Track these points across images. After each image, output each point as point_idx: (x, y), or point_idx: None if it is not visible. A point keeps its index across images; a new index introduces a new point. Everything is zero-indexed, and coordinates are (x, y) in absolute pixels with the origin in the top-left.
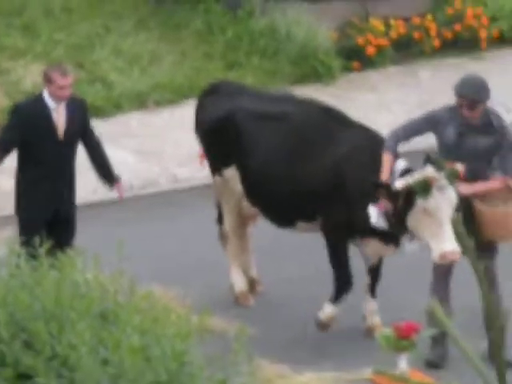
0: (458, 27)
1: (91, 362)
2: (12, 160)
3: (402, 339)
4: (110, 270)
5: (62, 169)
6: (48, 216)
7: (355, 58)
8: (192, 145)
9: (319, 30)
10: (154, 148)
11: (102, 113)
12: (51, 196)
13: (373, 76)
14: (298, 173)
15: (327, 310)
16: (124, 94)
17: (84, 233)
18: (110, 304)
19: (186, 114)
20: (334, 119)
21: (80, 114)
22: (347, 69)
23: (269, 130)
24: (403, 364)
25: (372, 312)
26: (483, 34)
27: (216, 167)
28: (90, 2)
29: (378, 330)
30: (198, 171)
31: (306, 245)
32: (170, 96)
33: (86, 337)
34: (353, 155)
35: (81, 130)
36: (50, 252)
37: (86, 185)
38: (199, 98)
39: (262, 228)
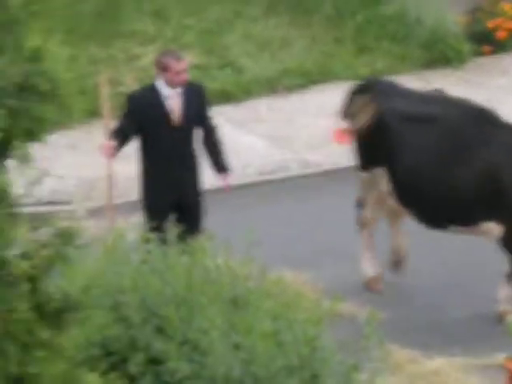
0: None
1: (223, 346)
2: (133, 146)
3: None
4: (240, 255)
5: (180, 154)
6: (171, 201)
7: (485, 42)
8: (321, 129)
9: (449, 15)
10: (283, 133)
11: (231, 98)
12: (172, 181)
13: (504, 60)
14: (450, 176)
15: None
16: (254, 79)
17: (212, 218)
18: (240, 289)
19: (315, 99)
20: (487, 120)
21: (197, 99)
22: (477, 53)
23: (420, 132)
24: None
25: (506, 298)
26: None
27: (364, 164)
28: None
29: (509, 316)
30: (328, 156)
31: (433, 237)
32: (299, 81)
33: (217, 322)
34: (510, 158)
35: (198, 115)
36: (180, 238)
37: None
38: (350, 93)
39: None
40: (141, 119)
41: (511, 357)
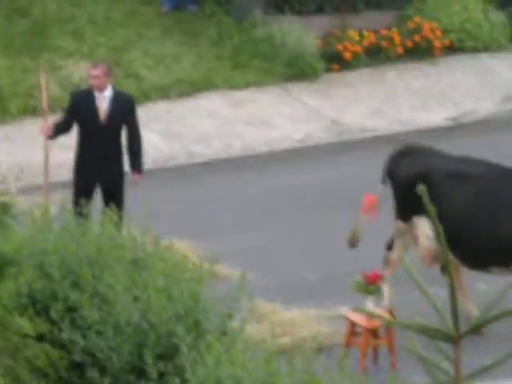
0: (417, 38)
1: (125, 298)
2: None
3: (370, 284)
4: (140, 226)
5: (103, 147)
6: (92, 183)
7: (335, 61)
8: (204, 128)
9: (307, 38)
10: (174, 130)
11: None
12: (94, 168)
13: (349, 76)
14: (491, 226)
15: None
16: (152, 87)
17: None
18: (140, 253)
19: (200, 103)
20: None
21: (123, 105)
22: (329, 70)
23: (463, 187)
24: (370, 305)
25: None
26: (437, 43)
27: (404, 215)
28: (125, 13)
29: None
30: (210, 148)
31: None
32: (188, 89)
33: (121, 279)
34: None
35: (122, 120)
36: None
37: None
38: (394, 155)
39: None
40: (76, 114)
41: (357, 309)
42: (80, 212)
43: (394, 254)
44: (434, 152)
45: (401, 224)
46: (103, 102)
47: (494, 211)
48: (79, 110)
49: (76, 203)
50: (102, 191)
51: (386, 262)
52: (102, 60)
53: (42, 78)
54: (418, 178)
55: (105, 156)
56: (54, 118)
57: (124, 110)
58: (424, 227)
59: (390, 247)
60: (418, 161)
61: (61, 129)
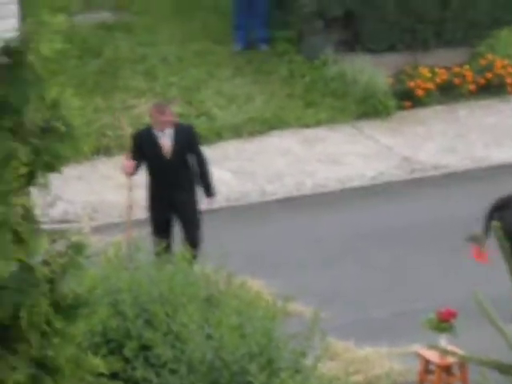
0: (489, 75)
1: (198, 336)
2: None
3: (443, 322)
4: (213, 264)
5: (173, 180)
6: (168, 217)
7: (407, 98)
8: (277, 166)
9: (379, 76)
10: (246, 169)
11: (206, 141)
12: (168, 201)
13: (421, 113)
14: None
15: None
16: (224, 126)
17: None
18: (213, 291)
19: (272, 142)
20: None
21: (186, 136)
22: (401, 107)
23: None
24: (443, 342)
25: None
26: (509, 80)
27: None
28: (197, 53)
29: None
30: (282, 187)
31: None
32: (260, 128)
33: (195, 317)
34: None
35: (186, 150)
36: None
37: None
38: (491, 210)
39: None
40: (141, 153)
41: (431, 346)
42: (160, 250)
43: None
44: None
45: None
46: (166, 139)
47: None
48: (144, 149)
49: (157, 240)
50: (182, 222)
51: None
52: (161, 101)
53: (122, 121)
54: None
55: (177, 187)
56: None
57: (187, 140)
58: None
59: None
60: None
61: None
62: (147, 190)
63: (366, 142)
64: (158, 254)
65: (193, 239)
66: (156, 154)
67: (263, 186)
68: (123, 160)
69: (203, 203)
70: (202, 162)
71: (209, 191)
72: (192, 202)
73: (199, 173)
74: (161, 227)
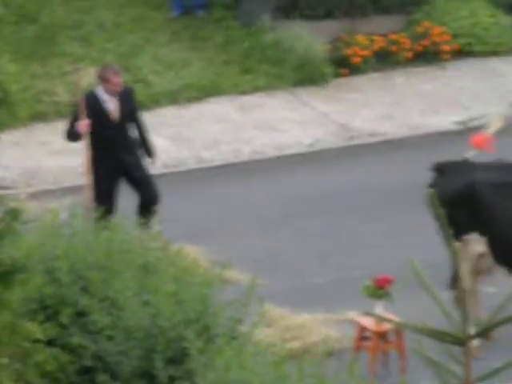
0: (425, 42)
1: (135, 303)
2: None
3: (379, 289)
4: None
5: (120, 143)
6: (117, 180)
7: (344, 65)
8: (213, 133)
9: (316, 43)
10: (184, 135)
11: (143, 107)
12: (116, 164)
13: (358, 80)
14: None
15: None
16: (160, 92)
17: (129, 202)
18: (149, 258)
19: (209, 108)
20: None
21: (129, 99)
22: (338, 75)
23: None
24: (379, 309)
25: None
26: (446, 48)
27: (456, 234)
28: (133, 19)
29: None
30: (219, 154)
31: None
32: (196, 94)
33: (131, 283)
34: None
35: (130, 113)
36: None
37: None
38: (432, 180)
39: None
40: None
41: (366, 312)
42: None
43: (465, 284)
44: (471, 164)
45: (455, 246)
46: (112, 103)
47: None
48: (90, 113)
49: (101, 206)
50: (134, 181)
51: (458, 300)
52: (111, 63)
53: (79, 78)
54: (462, 195)
55: (125, 150)
56: (65, 125)
57: (130, 103)
58: (474, 244)
59: (453, 285)
60: (456, 178)
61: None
62: (92, 156)
63: (302, 109)
64: (98, 220)
65: (152, 196)
66: (103, 118)
67: (200, 153)
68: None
69: (149, 162)
70: (141, 123)
71: (151, 151)
72: (141, 162)
73: (140, 134)
74: (107, 193)
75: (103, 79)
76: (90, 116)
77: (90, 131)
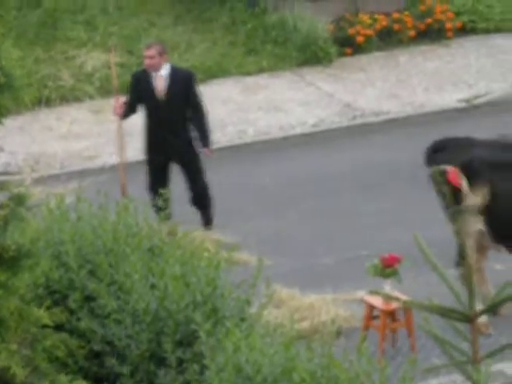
0: (429, 20)
1: (142, 286)
2: (77, 127)
3: (387, 267)
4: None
5: (167, 124)
6: (164, 159)
7: (348, 45)
8: (218, 113)
9: (319, 23)
10: None
11: None
12: (160, 143)
13: (362, 59)
14: None
15: None
16: None
17: (138, 184)
18: (156, 241)
19: (214, 90)
20: None
21: (182, 82)
22: (341, 54)
23: (507, 176)
24: (387, 288)
25: None
26: (449, 25)
27: (456, 214)
28: (137, 2)
29: None
30: (224, 136)
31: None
32: (202, 76)
33: (138, 267)
34: None
35: (182, 95)
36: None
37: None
38: (428, 154)
39: None
40: (138, 94)
41: (373, 291)
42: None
43: (471, 261)
44: (472, 141)
45: (457, 223)
46: (160, 81)
47: None
48: (138, 90)
49: (153, 182)
50: (179, 166)
51: (463, 277)
52: (155, 40)
53: (111, 57)
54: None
55: (170, 131)
56: (70, 109)
57: (182, 86)
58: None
59: (459, 263)
60: (455, 155)
61: (128, 110)
62: (144, 134)
63: (307, 89)
64: (155, 206)
65: (197, 182)
66: (149, 95)
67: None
68: (114, 101)
69: (201, 150)
70: (199, 111)
71: (205, 141)
72: (188, 148)
73: (195, 123)
74: (157, 171)
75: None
76: (139, 92)
77: (143, 106)
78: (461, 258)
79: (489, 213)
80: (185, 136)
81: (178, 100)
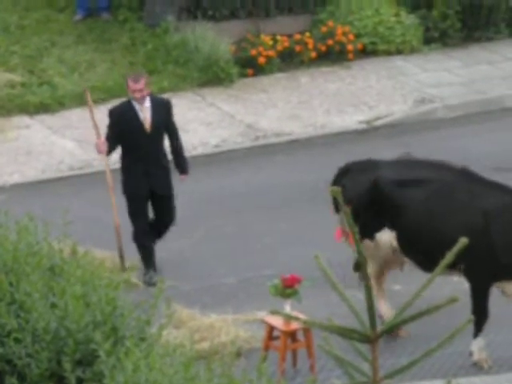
0: (330, 42)
1: (42, 306)
2: None
3: (287, 288)
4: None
5: (152, 155)
6: (146, 192)
7: (249, 66)
8: None
9: (221, 44)
10: (91, 137)
11: (49, 109)
12: (146, 176)
13: (263, 80)
14: (444, 230)
15: (476, 346)
16: (66, 94)
17: (39, 204)
18: (56, 260)
19: None
20: (472, 181)
21: (164, 111)
22: (243, 75)
23: (413, 194)
24: (288, 308)
25: None
26: (350, 47)
27: (367, 233)
28: (38, 21)
29: None
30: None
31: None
32: (103, 96)
33: (38, 286)
34: (498, 213)
35: (164, 125)
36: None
37: (37, 165)
38: (334, 178)
39: None
40: (121, 129)
41: (274, 311)
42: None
43: (370, 271)
44: (374, 163)
45: (369, 243)
46: (146, 113)
47: (440, 214)
48: (122, 125)
49: (134, 214)
50: (155, 199)
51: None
52: (139, 71)
53: (88, 98)
54: (369, 194)
55: (153, 164)
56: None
57: (164, 115)
58: (385, 240)
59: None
60: (361, 177)
61: (111, 146)
62: (122, 168)
63: (208, 110)
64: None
65: (171, 214)
66: (138, 128)
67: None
68: (97, 140)
69: (180, 177)
70: (178, 139)
71: (184, 168)
72: (168, 178)
73: (175, 149)
74: (139, 205)
75: (127, 88)
76: (122, 124)
77: (124, 140)
78: (361, 279)
79: (398, 229)
80: (166, 166)
81: (162, 130)
